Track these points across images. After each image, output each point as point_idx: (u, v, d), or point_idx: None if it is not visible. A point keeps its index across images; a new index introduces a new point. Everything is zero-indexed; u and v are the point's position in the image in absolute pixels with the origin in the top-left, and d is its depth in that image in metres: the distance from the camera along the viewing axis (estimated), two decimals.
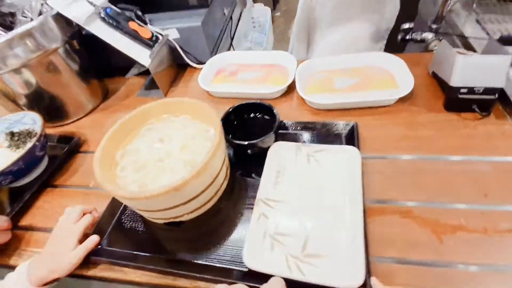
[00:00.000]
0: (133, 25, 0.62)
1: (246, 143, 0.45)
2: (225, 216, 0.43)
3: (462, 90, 0.48)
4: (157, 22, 0.71)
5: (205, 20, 0.69)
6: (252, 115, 0.53)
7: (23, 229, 0.48)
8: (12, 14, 0.63)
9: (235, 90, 0.64)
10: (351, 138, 0.49)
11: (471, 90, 0.48)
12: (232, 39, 0.93)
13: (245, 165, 0.49)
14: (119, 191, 0.33)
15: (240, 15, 1.08)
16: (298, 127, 0.54)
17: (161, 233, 0.43)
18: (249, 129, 0.52)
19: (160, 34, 0.68)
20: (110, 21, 0.60)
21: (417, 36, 0.72)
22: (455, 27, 0.69)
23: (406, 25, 0.69)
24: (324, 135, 0.52)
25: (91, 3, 0.59)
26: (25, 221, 0.49)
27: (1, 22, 0.62)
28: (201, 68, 0.71)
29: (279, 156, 0.46)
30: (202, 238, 0.41)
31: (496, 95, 0.48)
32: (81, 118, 0.70)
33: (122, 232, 0.43)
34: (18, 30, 0.53)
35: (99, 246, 0.41)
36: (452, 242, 0.36)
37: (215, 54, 0.76)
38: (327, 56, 0.67)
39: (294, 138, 0.51)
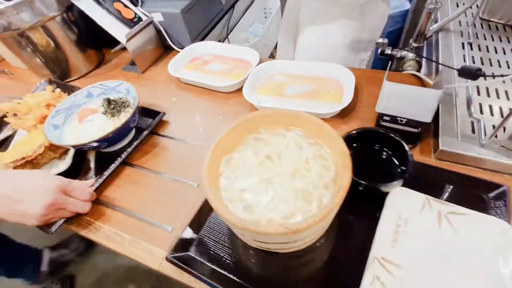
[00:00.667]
0: (117, 5, 0.69)
1: (366, 183, 0.37)
2: (323, 256, 0.37)
3: (385, 118, 0.47)
4: (148, 3, 0.77)
5: (187, 7, 0.73)
6: (375, 145, 0.44)
7: (99, 203, 0.49)
8: None
9: (199, 79, 0.68)
10: (500, 205, 0.38)
11: (394, 120, 0.46)
12: (229, 28, 0.96)
13: (354, 204, 0.36)
14: (231, 217, 0.29)
15: (251, 5, 1.09)
16: (426, 171, 0.42)
17: (248, 255, 0.39)
18: (367, 162, 0.43)
19: (146, 15, 0.74)
20: None
21: (397, 53, 0.68)
22: (437, 49, 0.64)
23: (379, 40, 0.65)
24: (459, 192, 0.40)
25: None
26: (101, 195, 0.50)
27: None
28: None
29: (401, 205, 0.37)
30: (291, 272, 0.37)
31: (420, 129, 0.45)
32: (74, 80, 0.80)
33: (206, 243, 0.40)
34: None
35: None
36: None
37: (200, 40, 0.81)
38: (300, 59, 0.67)
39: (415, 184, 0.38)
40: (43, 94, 0.57)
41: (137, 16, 0.71)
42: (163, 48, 0.82)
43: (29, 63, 0.77)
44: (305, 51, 0.79)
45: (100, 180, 0.49)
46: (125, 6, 0.71)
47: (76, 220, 0.46)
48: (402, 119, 0.46)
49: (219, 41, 0.93)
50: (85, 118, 0.53)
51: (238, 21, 1.02)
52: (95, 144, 0.48)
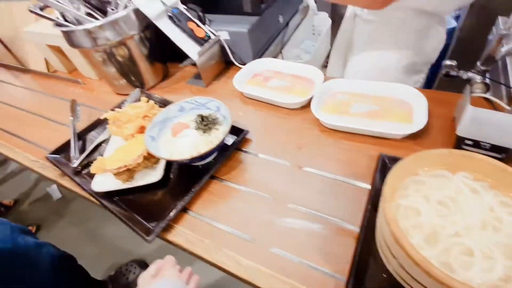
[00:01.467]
0: (191, 24, 0.75)
1: None
2: None
3: (467, 142, 0.47)
4: (215, 22, 0.82)
5: (253, 27, 0.78)
6: None
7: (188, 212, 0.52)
8: (109, 3, 0.82)
9: (262, 95, 0.71)
10: None
11: (477, 144, 0.47)
12: (283, 45, 0.99)
13: None
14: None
15: (301, 22, 1.13)
16: None
17: None
18: None
19: (214, 34, 0.79)
20: (174, 19, 0.74)
21: (463, 75, 0.68)
22: (506, 73, 0.63)
23: (447, 62, 0.66)
24: None
25: (163, 3, 0.73)
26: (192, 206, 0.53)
27: (99, 7, 0.81)
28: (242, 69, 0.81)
29: None
30: None
31: (504, 155, 0.45)
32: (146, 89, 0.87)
33: None
34: (109, 18, 0.70)
35: None
36: None
37: (260, 57, 0.85)
38: (356, 79, 0.68)
39: None
40: (141, 106, 0.63)
41: (207, 35, 0.77)
42: (225, 63, 0.87)
43: (104, 74, 0.85)
44: (356, 72, 0.80)
45: (191, 194, 0.52)
46: (198, 25, 0.76)
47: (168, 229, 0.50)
48: (485, 144, 0.46)
49: (274, 57, 0.97)
50: (179, 133, 0.58)
51: (290, 38, 1.06)
52: (188, 161, 0.52)
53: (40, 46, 0.98)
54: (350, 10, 0.78)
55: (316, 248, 0.44)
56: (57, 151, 0.67)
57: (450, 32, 1.48)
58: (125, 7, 0.74)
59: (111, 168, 0.52)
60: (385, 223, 0.34)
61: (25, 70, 1.12)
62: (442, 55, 1.56)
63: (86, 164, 0.63)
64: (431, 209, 0.36)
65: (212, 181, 0.57)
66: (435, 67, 0.89)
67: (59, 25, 0.73)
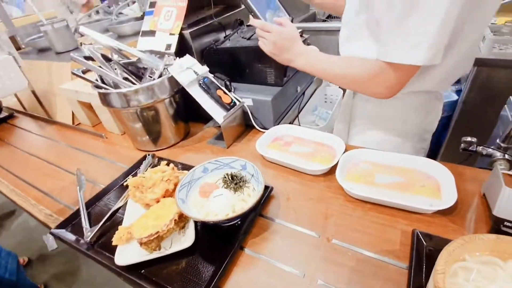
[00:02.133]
0: (219, 92, 0.80)
1: None
2: None
3: (507, 223, 0.46)
4: (241, 89, 0.89)
5: (276, 97, 0.83)
6: None
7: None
8: (145, 69, 0.90)
9: (284, 160, 0.72)
10: None
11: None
12: (299, 111, 1.05)
13: None
14: None
15: (315, 91, 1.21)
16: None
17: None
18: None
19: (238, 101, 0.85)
20: (204, 87, 0.79)
21: (482, 150, 0.70)
22: None
23: (468, 138, 0.68)
24: None
25: (195, 73, 0.80)
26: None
27: (135, 72, 0.88)
28: (263, 132, 0.84)
29: None
30: None
31: None
32: (163, 149, 0.89)
33: None
34: (145, 84, 0.76)
35: None
36: None
37: (279, 122, 0.89)
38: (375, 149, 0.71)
39: None
40: (164, 169, 0.63)
41: (233, 101, 0.82)
42: (245, 126, 0.91)
43: (129, 130, 0.88)
44: (358, 143, 0.82)
45: (220, 270, 0.49)
46: (225, 93, 0.82)
47: None
48: None
49: (291, 121, 1.02)
50: (210, 193, 0.57)
51: (305, 105, 1.12)
52: (227, 221, 0.51)
53: (71, 101, 1.04)
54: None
55: None
56: (64, 224, 0.63)
57: (453, 105, 1.57)
58: (161, 75, 0.81)
59: (141, 237, 0.49)
60: None
61: (51, 122, 1.17)
62: (446, 126, 1.64)
63: (99, 235, 0.60)
64: None
65: (240, 253, 0.54)
66: (437, 137, 0.92)
67: (97, 87, 0.78)
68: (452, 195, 0.54)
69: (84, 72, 0.79)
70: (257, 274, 0.50)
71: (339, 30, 0.73)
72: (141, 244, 0.52)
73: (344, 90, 1.27)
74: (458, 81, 1.68)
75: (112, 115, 0.96)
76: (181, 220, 0.56)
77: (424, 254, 0.47)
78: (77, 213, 0.66)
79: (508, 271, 0.35)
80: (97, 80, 0.81)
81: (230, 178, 0.59)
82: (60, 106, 1.14)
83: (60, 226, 0.63)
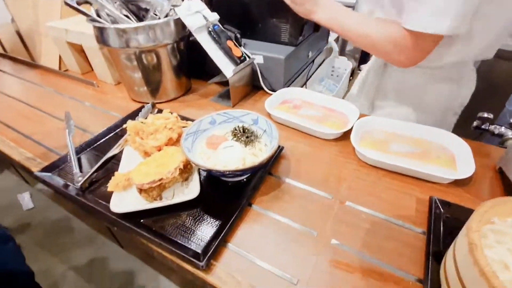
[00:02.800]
0: (230, 43, 0.74)
1: None
2: None
3: None
4: (251, 46, 0.82)
5: (289, 56, 0.77)
6: None
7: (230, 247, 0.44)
8: (146, 10, 0.80)
9: (295, 121, 0.68)
10: None
11: None
12: (307, 79, 1.00)
13: None
14: None
15: (323, 62, 1.16)
16: None
17: None
18: None
19: (248, 57, 0.78)
20: (214, 35, 0.72)
21: (495, 129, 0.68)
22: None
23: (484, 114, 0.67)
24: None
25: (205, 18, 0.72)
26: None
27: (136, 12, 0.79)
28: (271, 94, 0.79)
29: None
30: None
31: None
32: (162, 102, 0.82)
33: None
34: (147, 22, 0.68)
35: None
36: None
37: (288, 86, 0.84)
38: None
39: None
40: (167, 117, 0.57)
41: (243, 55, 0.75)
42: (251, 87, 0.85)
43: (125, 78, 0.80)
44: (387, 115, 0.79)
45: (228, 224, 0.45)
46: (236, 45, 0.75)
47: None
48: None
49: None
50: (218, 145, 0.52)
51: (313, 74, 1.07)
52: (241, 173, 0.47)
53: (59, 43, 0.94)
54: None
55: None
56: (50, 168, 0.57)
57: None
58: (166, 15, 0.72)
59: (142, 183, 0.44)
60: (481, 277, 0.29)
61: (34, 65, 1.06)
62: None
63: (91, 182, 0.54)
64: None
65: (248, 209, 0.50)
66: None
67: (93, 20, 0.69)
68: (469, 166, 0.53)
69: (78, 3, 0.70)
70: (265, 230, 0.47)
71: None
72: (140, 191, 0.48)
73: (362, 62, 1.22)
74: None
75: (107, 59, 0.87)
76: (185, 171, 0.51)
77: (441, 221, 0.46)
78: (64, 158, 0.60)
79: None
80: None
81: (241, 131, 0.55)
82: (46, 48, 1.03)
83: (46, 169, 0.57)
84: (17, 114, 0.80)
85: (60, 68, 1.02)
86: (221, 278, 0.40)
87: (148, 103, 0.77)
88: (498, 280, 0.28)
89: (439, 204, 0.48)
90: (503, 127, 0.68)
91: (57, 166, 0.58)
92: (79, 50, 0.95)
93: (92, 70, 0.99)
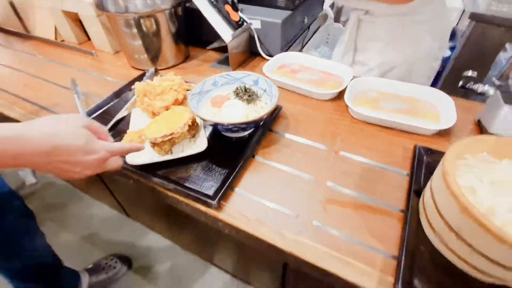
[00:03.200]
0: (227, 7, 0.75)
1: None
2: None
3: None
4: (247, 11, 0.83)
5: (286, 20, 0.79)
6: None
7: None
8: None
9: (292, 83, 0.72)
10: None
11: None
12: (303, 45, 1.02)
13: None
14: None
15: (318, 28, 1.17)
16: None
17: None
18: None
19: (245, 22, 0.80)
20: (212, 0, 0.73)
21: (478, 87, 0.73)
22: None
23: (469, 73, 0.71)
24: None
25: None
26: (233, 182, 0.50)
27: None
28: (268, 59, 0.82)
29: None
30: None
31: None
32: (162, 69, 0.84)
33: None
34: None
35: None
36: None
37: (285, 52, 0.86)
38: (379, 77, 0.72)
39: None
40: (172, 79, 0.60)
41: (241, 20, 0.77)
42: (249, 53, 0.88)
43: (125, 46, 0.82)
44: (378, 64, 0.83)
45: (233, 173, 0.50)
46: (233, 9, 0.76)
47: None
48: None
49: None
50: (222, 103, 0.56)
51: (308, 41, 1.09)
52: (244, 126, 0.52)
53: (54, 12, 0.93)
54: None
55: (360, 226, 0.44)
56: None
57: (445, 61, 1.60)
58: None
59: (155, 137, 0.49)
60: (451, 197, 0.35)
61: (29, 37, 1.05)
62: (436, 79, 1.69)
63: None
64: (485, 189, 0.38)
65: (251, 160, 0.55)
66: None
67: None
68: (451, 118, 0.58)
69: None
70: (268, 177, 0.52)
71: None
72: (154, 145, 0.52)
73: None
74: (453, 38, 1.70)
75: (105, 28, 0.87)
76: (192, 127, 0.55)
77: (423, 165, 0.52)
78: None
79: (503, 166, 0.40)
80: None
81: (243, 90, 0.59)
82: (40, 19, 1.01)
83: None
84: (20, 84, 0.81)
85: (56, 38, 1.01)
86: (231, 215, 0.46)
87: (146, 70, 0.79)
88: (463, 196, 0.34)
89: (422, 151, 0.54)
90: (486, 85, 0.72)
91: None
92: (75, 19, 0.94)
93: (89, 39, 0.99)
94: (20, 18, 1.05)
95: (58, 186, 1.66)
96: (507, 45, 0.91)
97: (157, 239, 1.29)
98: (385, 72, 0.83)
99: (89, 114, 0.65)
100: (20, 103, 0.74)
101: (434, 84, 1.70)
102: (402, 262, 0.39)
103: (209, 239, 0.92)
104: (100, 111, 0.66)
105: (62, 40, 1.02)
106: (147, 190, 0.53)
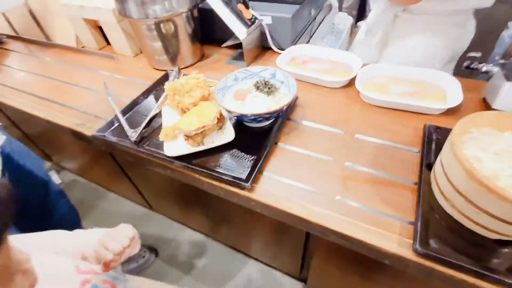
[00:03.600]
0: (240, 6, 0.80)
1: None
2: None
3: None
4: (257, 8, 0.88)
5: (295, 15, 0.84)
6: None
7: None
8: None
9: (305, 73, 0.77)
10: None
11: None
12: (310, 36, 1.06)
13: None
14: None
15: (323, 19, 1.21)
16: None
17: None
18: None
19: (257, 18, 0.84)
20: (225, 0, 0.78)
21: (482, 67, 0.77)
22: None
23: (473, 54, 0.75)
24: None
25: None
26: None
27: None
28: (280, 53, 0.86)
29: None
30: None
31: None
32: (181, 69, 0.90)
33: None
34: None
35: None
36: None
37: (294, 44, 0.91)
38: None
39: None
40: (197, 77, 0.66)
41: (253, 17, 0.82)
42: (261, 48, 0.93)
43: (146, 48, 0.87)
44: (395, 60, 0.87)
45: (261, 159, 0.56)
46: (245, 7, 0.81)
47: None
48: None
49: None
50: (246, 96, 0.62)
51: (315, 32, 1.13)
52: (268, 116, 0.58)
53: (74, 20, 0.99)
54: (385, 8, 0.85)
55: (378, 198, 0.50)
56: (104, 129, 0.68)
57: None
58: None
59: (190, 130, 0.54)
60: (459, 165, 0.40)
61: (51, 45, 1.11)
62: None
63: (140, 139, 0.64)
64: (489, 157, 0.43)
65: (275, 146, 0.61)
66: None
67: None
68: (458, 97, 0.63)
69: None
70: (291, 161, 0.58)
71: None
72: (187, 138, 0.58)
73: (359, 18, 1.26)
74: None
75: (125, 32, 0.93)
76: (220, 120, 0.61)
77: (433, 141, 0.57)
78: (112, 121, 0.70)
79: (505, 138, 0.45)
80: None
81: (263, 84, 0.64)
82: (60, 27, 1.08)
83: (100, 131, 0.67)
84: (51, 89, 0.88)
85: (77, 45, 1.08)
86: (263, 194, 0.52)
87: (167, 70, 0.85)
88: (469, 163, 0.39)
89: (431, 129, 0.59)
90: (490, 65, 0.76)
91: (109, 127, 0.68)
92: (94, 26, 1.00)
93: (108, 44, 1.05)
94: (40, 27, 1.11)
95: (82, 185, 1.75)
96: (510, 23, 0.93)
97: (180, 229, 1.37)
98: None
99: (124, 113, 0.71)
100: (47, 103, 0.81)
101: None
102: (419, 225, 0.44)
103: (232, 225, 0.98)
104: (132, 110, 0.73)
105: (83, 46, 1.08)
106: (184, 179, 0.60)
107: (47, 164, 1.87)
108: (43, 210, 0.84)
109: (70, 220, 0.95)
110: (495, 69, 0.76)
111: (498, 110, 0.56)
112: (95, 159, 1.17)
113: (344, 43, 1.20)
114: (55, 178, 1.85)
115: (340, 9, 1.27)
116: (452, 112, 0.63)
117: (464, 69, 0.80)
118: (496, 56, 0.78)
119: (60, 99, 0.83)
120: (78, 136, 0.73)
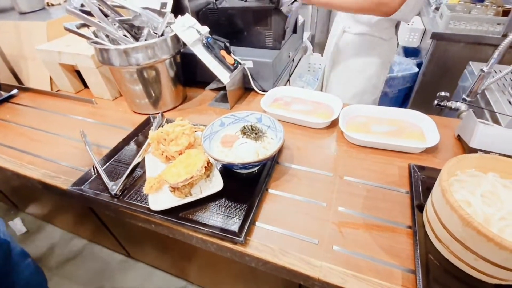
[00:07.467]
0: (223, 52, 0.82)
1: None
2: None
3: (480, 152, 0.58)
4: (239, 53, 0.91)
5: (275, 59, 0.87)
6: None
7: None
8: (139, 28, 0.86)
9: (290, 115, 0.78)
10: None
11: (487, 154, 0.58)
12: (290, 76, 1.11)
13: None
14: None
15: (300, 59, 1.27)
16: None
17: None
18: None
19: (239, 63, 0.87)
20: (208, 47, 0.80)
21: (452, 104, 0.83)
22: (488, 103, 0.80)
23: (442, 93, 0.81)
24: None
25: (198, 32, 0.80)
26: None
27: (128, 30, 0.85)
28: (263, 94, 0.88)
29: None
30: None
31: None
32: (163, 112, 0.88)
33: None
34: (147, 41, 0.74)
35: None
36: None
37: (276, 86, 0.94)
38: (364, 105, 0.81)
39: None
40: (182, 124, 0.65)
41: (236, 62, 0.84)
42: (244, 89, 0.94)
43: (127, 92, 0.86)
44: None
45: (253, 209, 0.54)
46: (228, 53, 0.83)
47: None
48: (494, 153, 0.57)
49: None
50: (233, 143, 0.61)
51: (293, 72, 1.18)
52: (260, 163, 0.58)
53: (50, 65, 0.96)
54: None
55: (375, 245, 0.49)
56: (80, 182, 0.63)
57: (413, 76, 1.76)
58: (162, 34, 0.79)
59: (177, 182, 0.52)
60: (453, 212, 0.40)
61: (24, 89, 1.07)
62: (406, 95, 1.84)
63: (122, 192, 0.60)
64: (477, 201, 0.44)
65: (265, 193, 0.59)
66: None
67: (96, 42, 0.74)
68: (435, 136, 0.66)
69: (78, 27, 0.74)
70: (283, 208, 0.56)
71: None
72: (174, 190, 0.55)
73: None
74: (418, 55, 1.87)
75: (103, 77, 0.91)
76: (207, 168, 0.59)
77: (419, 181, 0.58)
78: (89, 172, 0.65)
79: (489, 180, 0.46)
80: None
81: (250, 129, 0.64)
82: (34, 71, 1.04)
83: (76, 184, 0.62)
84: (24, 138, 0.82)
85: (51, 89, 1.04)
86: (257, 248, 0.49)
87: (149, 114, 0.83)
88: (464, 210, 0.40)
89: (416, 168, 0.60)
90: (458, 102, 0.82)
91: (87, 179, 0.63)
92: (71, 70, 0.98)
93: (85, 88, 1.02)
94: (13, 71, 1.07)
95: (51, 231, 1.60)
96: (471, 62, 1.03)
97: (162, 277, 1.26)
98: None
99: (101, 164, 0.67)
100: (16, 154, 0.75)
101: (407, 97, 1.86)
102: (420, 275, 0.43)
103: (217, 270, 0.92)
104: (112, 159, 0.69)
105: (58, 90, 1.05)
106: (171, 234, 0.55)
107: (11, 211, 1.71)
108: (3, 276, 0.74)
109: (35, 283, 0.84)
110: (463, 106, 0.82)
111: (479, 151, 0.59)
112: (71, 209, 1.08)
113: (321, 81, 1.26)
114: (20, 227, 1.68)
115: (313, 50, 1.36)
116: (431, 150, 0.66)
117: (435, 107, 0.85)
118: (461, 91, 0.85)
119: (32, 149, 0.77)
120: (52, 190, 0.67)
